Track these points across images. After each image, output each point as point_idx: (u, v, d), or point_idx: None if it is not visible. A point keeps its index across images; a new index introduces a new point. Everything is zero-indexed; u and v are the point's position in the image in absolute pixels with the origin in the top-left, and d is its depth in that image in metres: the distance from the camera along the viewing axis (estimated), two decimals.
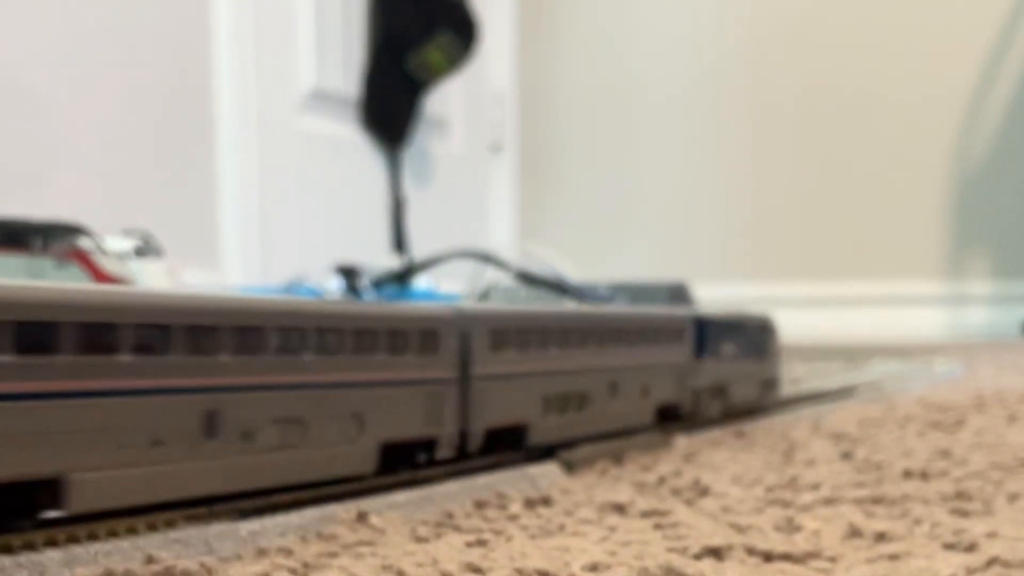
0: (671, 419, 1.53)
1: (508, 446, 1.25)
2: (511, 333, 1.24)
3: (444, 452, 1.18)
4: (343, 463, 1.04)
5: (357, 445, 1.06)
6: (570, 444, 1.32)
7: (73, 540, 0.81)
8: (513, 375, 1.25)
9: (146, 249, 1.76)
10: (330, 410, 1.02)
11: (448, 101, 4.30)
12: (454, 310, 1.20)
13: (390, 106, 3.89)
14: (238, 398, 0.93)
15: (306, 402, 0.99)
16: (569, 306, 1.58)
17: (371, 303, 1.32)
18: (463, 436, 1.19)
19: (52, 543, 0.80)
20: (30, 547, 0.78)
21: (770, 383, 1.84)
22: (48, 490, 0.80)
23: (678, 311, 1.65)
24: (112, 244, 1.71)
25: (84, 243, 1.62)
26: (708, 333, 1.61)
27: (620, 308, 1.63)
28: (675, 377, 1.55)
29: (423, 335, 1.14)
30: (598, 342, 1.40)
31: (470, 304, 1.36)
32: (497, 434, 1.23)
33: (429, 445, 1.16)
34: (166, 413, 0.87)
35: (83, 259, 1.61)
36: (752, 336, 1.76)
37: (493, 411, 1.22)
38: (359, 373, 1.06)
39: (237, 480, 0.93)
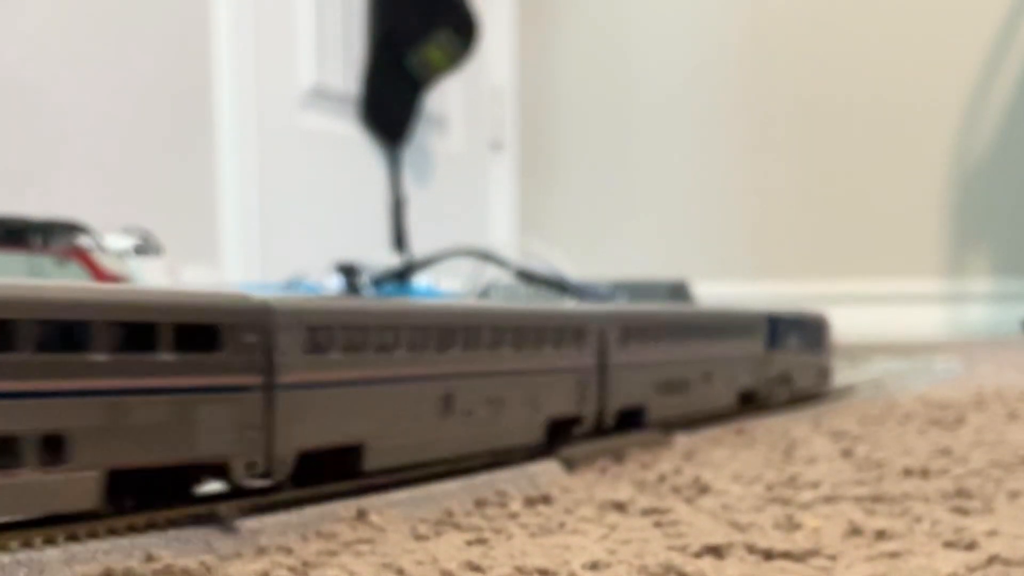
0: (748, 403, 1.77)
1: (631, 424, 1.46)
2: (635, 330, 1.46)
3: (586, 428, 1.38)
4: (525, 434, 1.29)
5: (533, 420, 1.30)
6: (673, 424, 1.54)
7: (72, 538, 0.81)
8: (636, 365, 1.48)
9: (145, 247, 1.76)
10: (518, 392, 1.26)
11: (448, 99, 4.30)
12: (593, 310, 1.44)
13: (390, 104, 3.89)
14: (464, 384, 1.18)
15: (504, 386, 1.24)
16: (674, 307, 1.84)
17: (541, 306, 1.53)
18: (600, 415, 1.40)
19: (51, 541, 0.79)
20: (28, 545, 0.78)
21: (825, 372, 2.08)
22: (353, 454, 1.04)
23: (754, 310, 1.89)
24: (112, 242, 1.71)
25: (84, 241, 1.62)
26: (777, 329, 1.85)
27: (710, 307, 1.89)
28: (753, 366, 1.79)
29: (575, 332, 1.36)
30: (696, 337, 1.65)
31: (606, 306, 1.57)
32: (625, 413, 1.44)
33: (577, 421, 1.37)
34: (423, 396, 1.13)
35: (83, 257, 1.61)
36: (810, 331, 2.00)
37: (623, 394, 1.45)
38: (535, 362, 1.29)
39: (461, 446, 1.18)
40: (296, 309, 1.00)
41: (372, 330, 1.07)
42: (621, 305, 1.66)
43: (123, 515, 0.85)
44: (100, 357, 0.83)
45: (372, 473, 1.07)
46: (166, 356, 0.88)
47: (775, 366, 1.83)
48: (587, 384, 1.38)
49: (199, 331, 0.91)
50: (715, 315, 1.74)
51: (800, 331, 1.94)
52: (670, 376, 1.55)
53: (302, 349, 0.99)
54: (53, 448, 0.79)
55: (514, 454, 1.25)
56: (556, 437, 1.32)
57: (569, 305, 1.48)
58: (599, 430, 1.39)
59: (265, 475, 0.97)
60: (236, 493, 0.95)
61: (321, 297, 1.37)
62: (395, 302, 1.39)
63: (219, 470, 0.93)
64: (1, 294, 0.79)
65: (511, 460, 1.23)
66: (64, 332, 0.81)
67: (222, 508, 0.90)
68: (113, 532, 0.84)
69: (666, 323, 1.58)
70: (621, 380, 1.43)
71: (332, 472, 1.04)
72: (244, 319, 0.94)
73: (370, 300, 1.46)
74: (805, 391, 1.94)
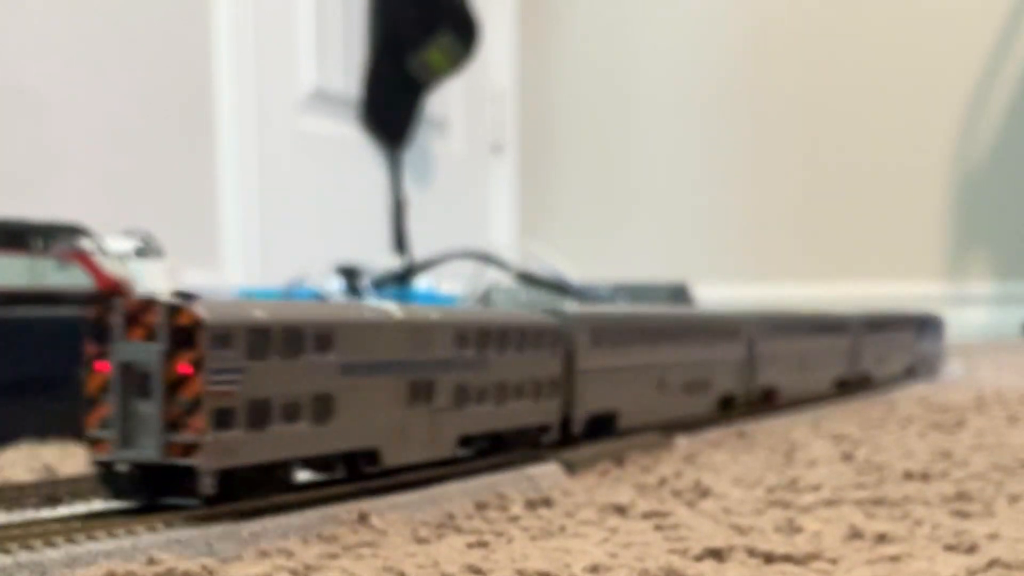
0: (909, 375, 2.49)
1: (770, 398, 1.89)
2: (782, 329, 1.83)
3: (741, 401, 1.79)
4: (706, 407, 1.71)
5: (711, 397, 1.72)
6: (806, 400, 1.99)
7: (72, 540, 0.81)
8: (781, 355, 1.92)
9: (147, 250, 1.77)
10: (702, 376, 1.67)
11: (449, 101, 4.30)
12: (746, 315, 1.84)
13: (391, 106, 3.89)
14: (673, 367, 1.59)
15: (693, 371, 1.65)
16: (833, 311, 2.27)
17: (709, 313, 1.86)
18: (749, 392, 1.80)
19: (51, 544, 0.80)
20: (29, 548, 0.78)
21: (942, 358, 2.80)
22: (612, 418, 1.44)
23: (905, 312, 2.61)
24: (113, 245, 1.72)
25: (85, 244, 1.63)
26: (920, 326, 2.54)
27: (879, 310, 2.41)
28: (909, 352, 2.58)
29: (733, 331, 1.77)
30: (873, 333, 2.31)
31: (755, 312, 1.93)
32: (767, 391, 1.87)
33: (736, 397, 1.77)
34: (649, 378, 1.55)
35: (84, 260, 1.61)
36: (934, 328, 2.70)
37: (768, 377, 1.86)
38: (711, 354, 1.70)
39: (671, 413, 1.58)
40: (585, 318, 1.40)
41: (624, 331, 1.48)
42: (767, 311, 2.03)
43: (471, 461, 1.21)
44: (491, 354, 1.22)
45: (623, 432, 1.46)
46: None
47: (921, 352, 2.58)
48: (742, 369, 1.80)
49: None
50: (884, 316, 2.29)
51: (929, 328, 2.64)
52: (805, 360, 2.06)
53: (589, 345, 1.39)
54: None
55: (695, 422, 1.65)
56: (724, 409, 1.76)
57: (727, 312, 1.86)
58: (748, 403, 1.83)
59: (567, 432, 1.35)
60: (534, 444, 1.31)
61: (598, 308, 1.70)
62: (634, 311, 1.71)
63: (542, 430, 1.31)
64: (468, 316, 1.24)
65: (694, 425, 1.58)
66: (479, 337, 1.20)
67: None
68: (113, 535, 0.84)
69: (811, 321, 2.08)
70: (764, 366, 1.85)
71: (600, 430, 1.42)
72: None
73: (622, 309, 1.83)
74: (933, 371, 2.66)
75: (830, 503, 1.11)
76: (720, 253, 4.90)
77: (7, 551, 0.78)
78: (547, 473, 1.25)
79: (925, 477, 1.25)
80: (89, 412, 0.91)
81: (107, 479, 0.91)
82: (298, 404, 0.96)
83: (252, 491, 0.93)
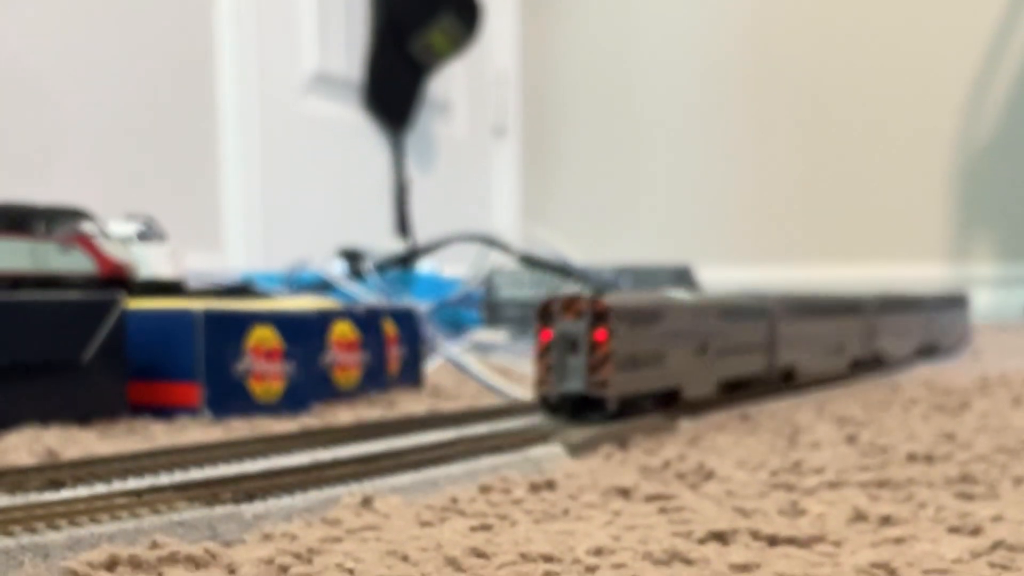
0: (929, 353, 2.67)
1: (879, 362, 2.29)
2: (801, 310, 2.00)
3: (863, 363, 2.19)
4: (844, 366, 2.10)
5: (845, 359, 2.11)
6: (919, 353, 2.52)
7: (75, 523, 0.81)
8: (892, 329, 2.35)
9: (149, 233, 1.76)
10: (842, 343, 2.08)
11: (451, 84, 4.29)
12: (867, 296, 2.23)
13: (393, 89, 3.88)
14: (822, 337, 2.00)
15: (837, 338, 2.07)
16: (925, 294, 2.69)
17: (843, 294, 2.19)
18: (768, 372, 1.98)
19: (54, 527, 0.80)
20: (31, 531, 0.78)
21: (970, 332, 3.08)
22: (792, 372, 1.87)
23: (930, 292, 2.85)
24: (115, 229, 1.71)
25: (87, 227, 1.62)
26: (942, 304, 2.78)
27: (896, 291, 2.57)
28: (961, 327, 2.97)
29: (856, 308, 2.16)
30: (942, 310, 2.78)
31: (874, 294, 2.30)
32: (877, 356, 2.27)
33: (862, 360, 2.19)
34: (819, 342, 1.99)
35: (86, 244, 1.61)
36: (959, 305, 2.98)
37: (879, 345, 2.28)
38: (844, 327, 2.10)
39: (826, 370, 2.02)
40: (785, 302, 1.85)
41: (807, 308, 1.93)
42: (884, 293, 2.38)
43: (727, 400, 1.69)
44: (732, 325, 1.69)
45: (800, 384, 1.90)
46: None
47: (966, 326, 2.97)
48: (864, 339, 2.19)
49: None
50: (898, 297, 2.53)
51: (956, 306, 2.92)
52: (922, 334, 2.52)
53: (787, 318, 1.84)
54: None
55: (828, 380, 2.02)
56: (854, 370, 2.13)
57: (853, 295, 2.19)
58: (857, 364, 2.17)
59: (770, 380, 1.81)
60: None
61: (791, 294, 1.99)
62: (802, 296, 2.05)
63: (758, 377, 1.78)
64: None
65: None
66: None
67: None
68: (116, 517, 0.84)
69: (918, 302, 2.49)
70: (881, 336, 2.28)
71: (785, 380, 1.86)
72: (763, 306, 1.85)
73: (803, 295, 2.12)
74: (956, 350, 2.90)
75: (834, 485, 1.11)
76: (723, 235, 4.89)
77: (10, 533, 0.78)
78: (550, 456, 1.25)
79: (929, 459, 1.25)
80: (538, 363, 1.41)
81: (545, 404, 1.41)
82: (650, 358, 1.47)
83: (631, 411, 1.45)
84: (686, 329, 1.56)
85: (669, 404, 1.54)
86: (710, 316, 1.64)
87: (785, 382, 1.88)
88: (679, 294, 1.66)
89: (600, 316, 1.39)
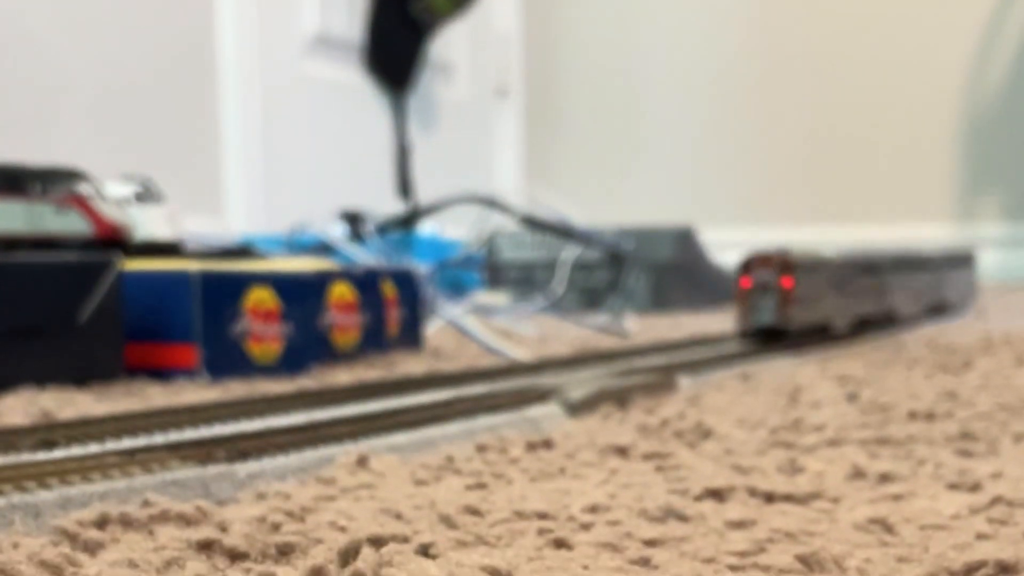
0: (938, 311, 2.85)
1: (941, 310, 2.69)
2: (955, 262, 2.74)
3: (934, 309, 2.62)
4: (922, 309, 2.52)
5: (921, 305, 2.52)
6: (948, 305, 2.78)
7: (66, 482, 0.80)
8: (951, 283, 2.81)
9: (146, 195, 1.75)
10: (919, 293, 2.51)
11: (453, 45, 4.26)
12: (935, 251, 2.75)
13: (394, 50, 3.85)
14: (908, 288, 2.45)
15: (915, 288, 2.48)
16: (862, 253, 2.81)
17: (915, 252, 2.64)
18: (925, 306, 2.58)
19: (45, 486, 0.79)
20: (23, 489, 0.78)
21: (976, 289, 3.27)
22: (888, 315, 2.31)
23: (967, 249, 3.23)
24: (112, 190, 1.70)
25: (84, 188, 1.61)
26: (949, 263, 2.91)
27: (906, 249, 2.83)
28: (973, 283, 3.14)
29: (928, 263, 2.61)
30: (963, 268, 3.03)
31: (939, 249, 2.77)
32: (940, 305, 2.68)
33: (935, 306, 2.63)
34: (906, 291, 2.42)
35: (82, 205, 1.60)
36: (969, 263, 3.11)
37: (942, 296, 2.69)
38: (922, 280, 2.54)
39: (918, 312, 2.49)
40: (890, 258, 2.38)
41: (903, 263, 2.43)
42: (943, 248, 2.91)
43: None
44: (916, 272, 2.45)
45: (898, 323, 2.36)
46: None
47: (975, 283, 3.15)
48: (932, 291, 2.62)
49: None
50: (909, 255, 2.70)
51: (969, 263, 3.09)
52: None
53: (892, 271, 2.33)
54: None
55: (906, 319, 2.43)
56: (930, 314, 2.59)
57: (925, 250, 2.66)
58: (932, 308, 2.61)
59: (880, 318, 2.29)
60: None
61: (893, 252, 2.44)
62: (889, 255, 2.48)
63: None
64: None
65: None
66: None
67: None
68: (108, 476, 0.83)
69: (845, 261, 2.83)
70: (941, 289, 2.68)
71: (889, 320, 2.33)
72: (877, 262, 2.30)
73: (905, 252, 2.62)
74: (963, 308, 3.04)
75: (833, 443, 1.10)
76: (727, 197, 4.87)
77: (1, 492, 0.77)
78: (548, 415, 1.25)
79: (930, 417, 1.24)
80: (740, 303, 1.89)
81: (743, 334, 1.89)
82: (815, 299, 1.95)
83: (806, 337, 1.94)
84: (835, 279, 2.06)
85: (822, 333, 2.03)
86: (848, 269, 2.14)
87: (889, 321, 2.35)
88: (830, 253, 2.15)
89: (786, 268, 1.87)
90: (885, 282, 2.31)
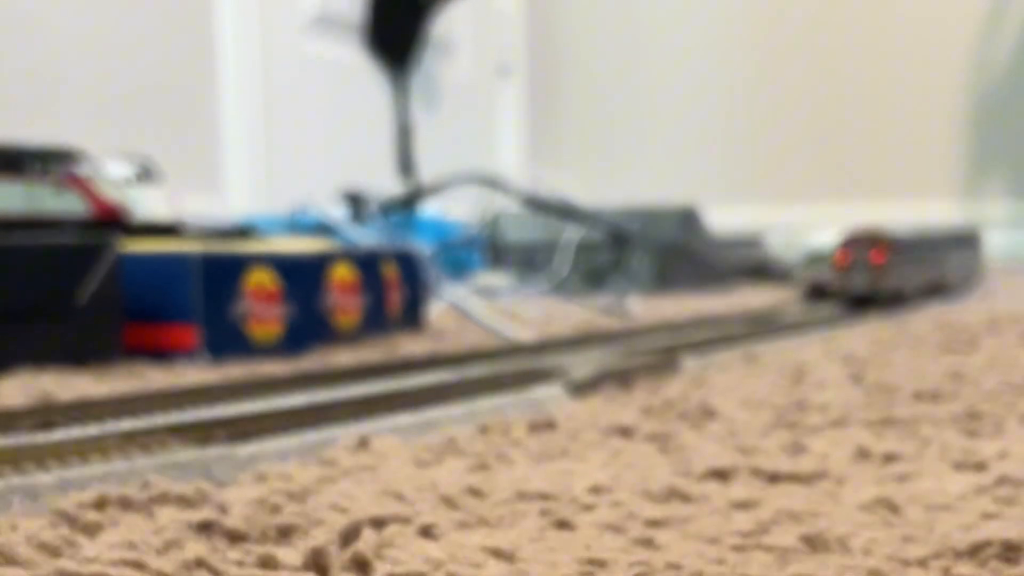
0: (943, 289, 3.03)
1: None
2: (975, 241, 3.09)
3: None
4: (949, 283, 2.75)
5: (948, 281, 2.73)
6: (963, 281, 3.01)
7: (64, 464, 0.80)
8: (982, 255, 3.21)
9: (146, 174, 1.74)
10: (959, 267, 2.87)
11: (455, 24, 4.23)
12: (968, 227, 3.21)
13: (396, 29, 3.83)
14: (951, 263, 2.84)
15: (952, 262, 2.80)
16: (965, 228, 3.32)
17: (951, 230, 2.92)
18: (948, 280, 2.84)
19: (43, 468, 0.78)
20: (21, 471, 0.77)
21: (980, 273, 3.39)
22: (942, 286, 2.73)
23: (973, 228, 3.40)
24: (111, 169, 1.69)
25: (82, 168, 1.60)
26: (973, 241, 3.21)
27: (912, 226, 2.91)
28: (979, 260, 3.26)
29: (963, 239, 3.01)
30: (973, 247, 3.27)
31: (971, 225, 3.19)
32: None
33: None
34: (948, 265, 2.81)
35: (81, 185, 1.59)
36: (976, 241, 3.29)
37: (961, 274, 2.91)
38: (960, 257, 2.87)
39: (948, 284, 2.79)
40: (946, 234, 2.88)
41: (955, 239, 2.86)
42: (968, 226, 3.22)
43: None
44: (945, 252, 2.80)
45: (949, 292, 2.72)
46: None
47: (982, 261, 3.30)
48: (970, 264, 2.96)
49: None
50: (916, 233, 2.85)
51: (976, 242, 3.26)
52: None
53: (946, 246, 2.80)
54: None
55: (954, 289, 2.80)
56: (968, 283, 2.92)
57: (961, 227, 2.93)
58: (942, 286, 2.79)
59: (937, 287, 2.67)
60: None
61: (949, 227, 2.81)
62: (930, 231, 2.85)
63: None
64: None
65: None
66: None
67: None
68: (107, 458, 0.82)
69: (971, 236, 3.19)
70: (958, 266, 2.89)
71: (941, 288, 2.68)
72: (935, 237, 2.73)
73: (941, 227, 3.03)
74: (970, 285, 3.19)
75: (838, 424, 1.09)
76: (731, 175, 4.85)
77: (0, 474, 0.77)
78: (551, 396, 1.24)
79: (935, 397, 1.23)
80: (838, 274, 2.32)
81: (842, 300, 2.25)
82: (896, 270, 2.26)
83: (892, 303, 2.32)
84: (910, 254, 2.42)
85: (898, 300, 2.36)
86: (917, 245, 2.50)
87: (942, 289, 2.66)
88: (904, 230, 2.49)
89: (878, 243, 2.29)
90: (941, 256, 2.70)
